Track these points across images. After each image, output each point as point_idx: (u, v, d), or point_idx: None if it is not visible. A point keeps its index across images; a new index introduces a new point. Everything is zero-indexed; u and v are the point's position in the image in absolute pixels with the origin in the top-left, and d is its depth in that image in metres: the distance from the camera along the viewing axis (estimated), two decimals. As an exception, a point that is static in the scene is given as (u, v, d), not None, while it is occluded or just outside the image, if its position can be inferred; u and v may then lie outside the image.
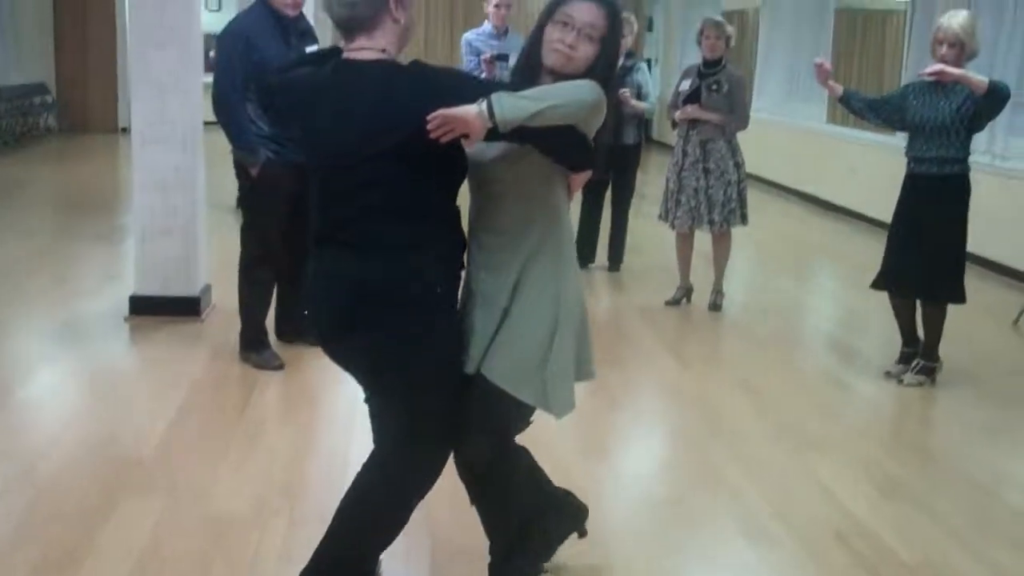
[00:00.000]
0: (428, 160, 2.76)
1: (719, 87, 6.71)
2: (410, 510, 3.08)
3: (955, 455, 4.67)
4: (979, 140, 8.20)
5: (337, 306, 2.89)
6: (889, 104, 5.51)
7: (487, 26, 7.44)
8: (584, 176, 3.02)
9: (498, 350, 2.93)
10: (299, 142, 3.08)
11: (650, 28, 18.75)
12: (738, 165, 6.83)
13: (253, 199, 5.43)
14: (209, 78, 5.30)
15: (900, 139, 9.75)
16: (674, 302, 7.10)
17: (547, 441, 3.66)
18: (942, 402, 5.37)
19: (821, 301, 8.12)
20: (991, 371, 5.89)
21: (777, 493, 4.17)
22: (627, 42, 7.43)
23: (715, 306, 7.01)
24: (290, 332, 5.73)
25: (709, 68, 6.79)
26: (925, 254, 5.34)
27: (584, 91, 2.79)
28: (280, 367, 5.43)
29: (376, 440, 3.07)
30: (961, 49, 5.16)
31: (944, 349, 5.53)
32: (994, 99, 5.01)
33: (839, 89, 5.58)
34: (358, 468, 3.05)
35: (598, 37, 2.91)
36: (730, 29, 6.87)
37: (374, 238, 2.83)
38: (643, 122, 8.10)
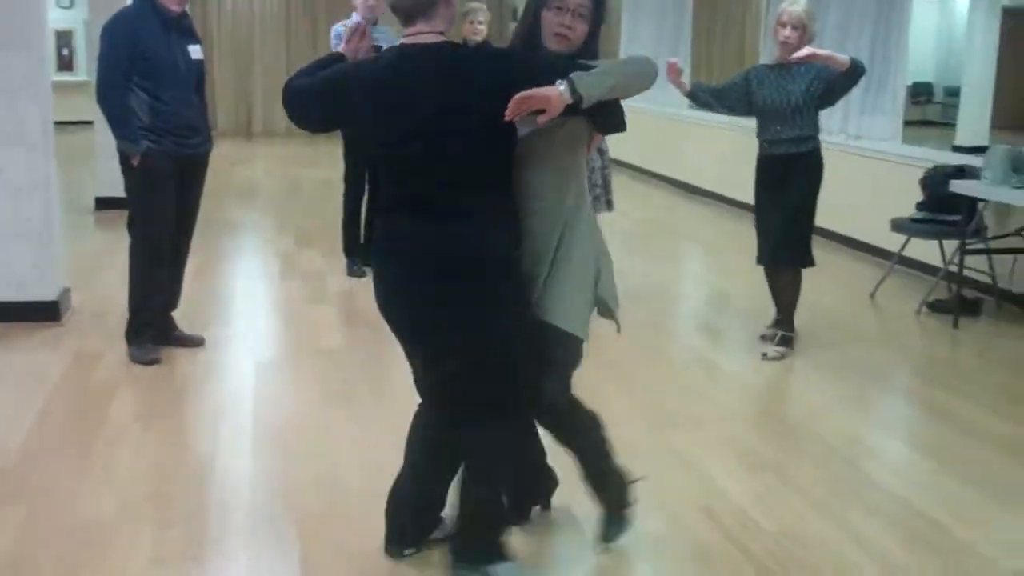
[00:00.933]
0: (497, 134, 3.01)
1: None
2: (516, 463, 3.47)
3: (814, 426, 4.82)
4: (834, 120, 8.49)
5: (422, 272, 3.08)
6: (734, 92, 5.73)
7: (356, 17, 7.38)
8: (598, 138, 3.41)
9: (553, 297, 3.24)
10: (366, 125, 3.20)
11: (514, 18, 18.84)
12: (602, 152, 6.83)
13: (137, 191, 5.38)
14: (61, 77, 5.18)
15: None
16: None
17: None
18: (802, 374, 5.54)
19: (688, 284, 8.29)
20: (849, 343, 6.10)
21: (645, 472, 4.23)
22: (484, 31, 7.62)
23: None
24: (160, 332, 5.64)
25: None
26: (777, 224, 5.61)
27: (648, 65, 3.15)
28: (153, 362, 5.41)
29: (465, 409, 3.26)
30: (803, 32, 5.40)
31: (803, 321, 5.70)
32: (852, 76, 5.33)
33: (687, 86, 5.72)
34: (224, 470, 3.01)
35: (587, 15, 3.22)
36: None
37: (454, 207, 3.06)
38: None
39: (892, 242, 7.32)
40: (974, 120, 13.09)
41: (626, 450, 4.43)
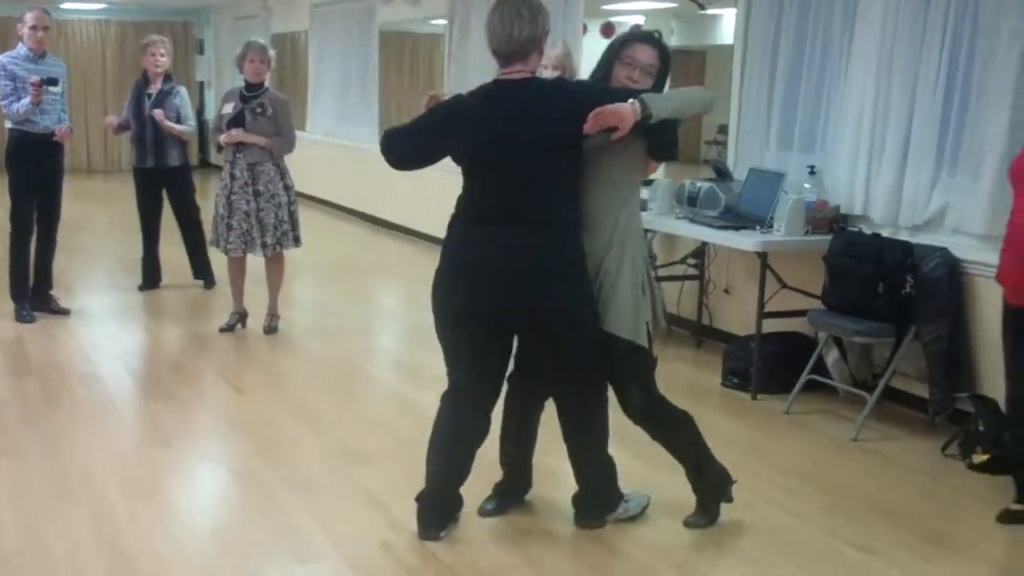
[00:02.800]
0: (577, 154, 3.61)
1: (263, 110, 6.71)
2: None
3: (493, 454, 4.91)
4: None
5: (517, 272, 3.64)
6: None
7: (22, 49, 7.01)
8: (654, 163, 3.90)
9: (608, 308, 3.75)
10: (464, 149, 3.77)
11: (201, 51, 18.46)
12: (288, 187, 6.84)
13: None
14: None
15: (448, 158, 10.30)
16: (228, 328, 7.02)
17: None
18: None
19: (383, 319, 8.32)
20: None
21: (326, 510, 4.22)
22: (166, 63, 7.65)
23: (271, 329, 7.01)
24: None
25: (252, 91, 6.78)
26: None
27: (706, 94, 3.82)
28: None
29: (557, 395, 3.97)
30: (563, 71, 5.71)
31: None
32: None
33: None
34: None
35: (654, 73, 3.79)
36: (272, 52, 6.93)
37: (547, 217, 3.63)
38: (185, 144, 8.10)
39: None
40: (649, 154, 13.84)
41: (306, 488, 4.44)
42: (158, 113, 7.68)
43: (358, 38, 12.82)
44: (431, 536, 3.93)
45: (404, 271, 9.89)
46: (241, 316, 7.09)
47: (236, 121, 6.72)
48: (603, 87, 3.80)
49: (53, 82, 6.82)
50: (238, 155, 6.72)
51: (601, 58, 3.90)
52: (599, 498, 4.09)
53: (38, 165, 6.99)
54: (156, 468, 4.70)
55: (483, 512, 4.15)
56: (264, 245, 6.79)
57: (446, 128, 3.78)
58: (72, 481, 4.48)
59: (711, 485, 4.10)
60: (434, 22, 11.04)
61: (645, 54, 3.79)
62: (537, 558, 3.84)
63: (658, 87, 3.81)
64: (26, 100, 6.72)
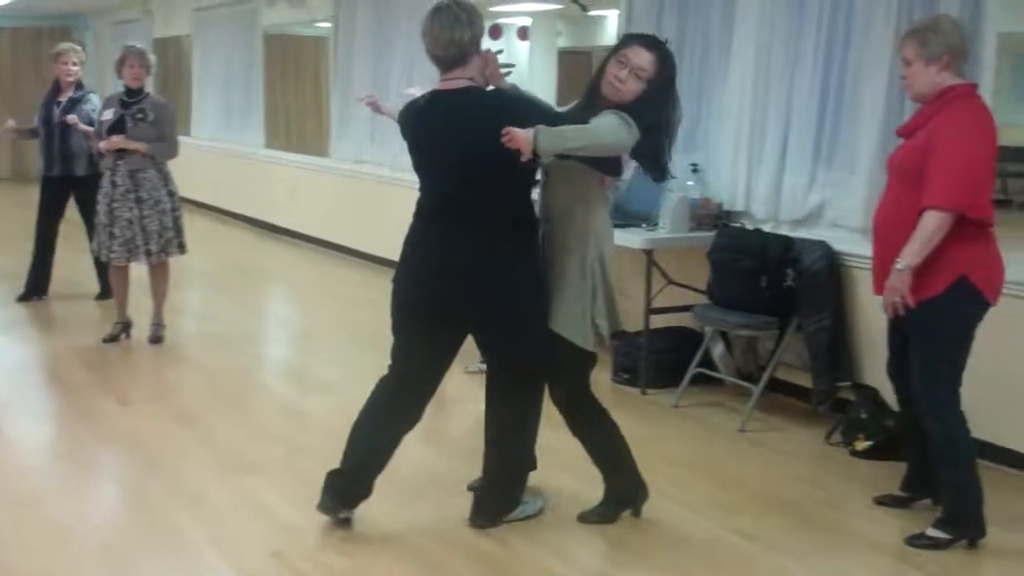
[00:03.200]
0: (510, 161, 3.55)
1: (144, 116, 6.61)
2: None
3: (393, 462, 4.90)
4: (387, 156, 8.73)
5: (455, 270, 3.78)
6: None
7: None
8: (607, 178, 3.93)
9: (554, 304, 3.85)
10: (411, 153, 3.95)
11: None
12: (171, 193, 6.74)
13: None
14: None
15: (336, 161, 10.26)
16: (112, 338, 6.88)
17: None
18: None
19: (271, 326, 8.22)
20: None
21: (215, 522, 4.16)
22: (78, 72, 7.63)
23: (156, 339, 6.88)
24: None
25: (132, 97, 6.68)
26: None
27: (608, 135, 3.62)
28: None
29: (491, 388, 4.07)
30: None
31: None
32: None
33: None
34: None
35: (645, 78, 3.76)
36: (152, 57, 6.84)
37: (487, 217, 3.76)
38: (93, 154, 7.76)
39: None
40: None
41: (195, 498, 4.38)
42: (71, 117, 7.49)
43: (242, 41, 12.64)
44: (330, 512, 4.01)
45: (291, 276, 9.79)
46: (125, 326, 6.95)
47: (116, 127, 6.60)
48: (530, 104, 3.85)
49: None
50: (119, 162, 6.61)
51: (610, 51, 3.89)
52: (502, 497, 4.13)
53: None
54: (40, 484, 4.59)
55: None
56: (148, 253, 6.68)
57: (402, 132, 3.99)
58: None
59: (618, 492, 4.17)
60: (319, 24, 10.95)
61: (639, 57, 3.77)
62: (433, 561, 3.84)
63: (655, 95, 3.78)
64: None
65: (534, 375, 3.98)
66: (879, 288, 4.00)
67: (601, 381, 6.09)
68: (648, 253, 5.77)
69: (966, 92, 3.87)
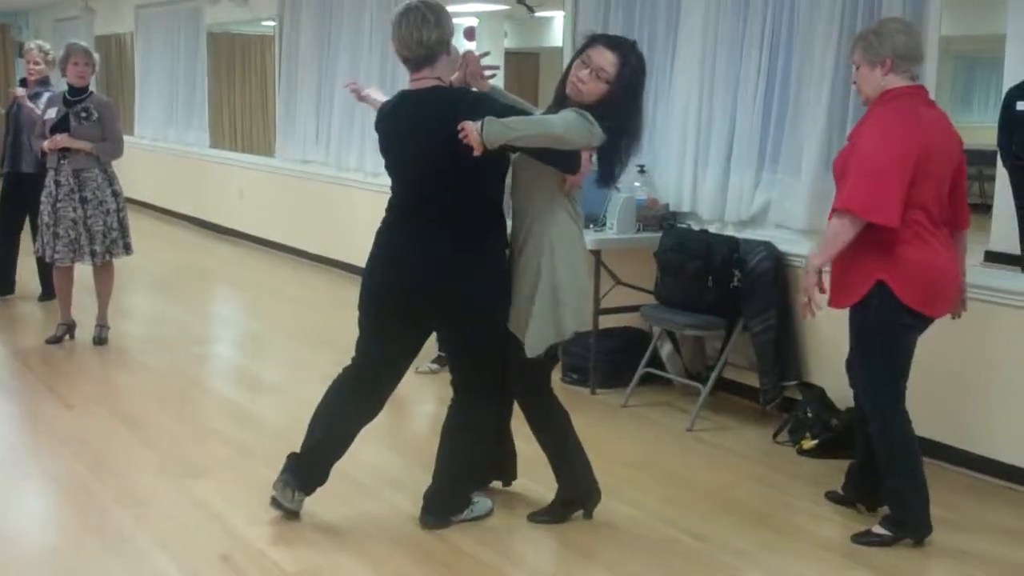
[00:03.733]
0: (471, 159, 3.59)
1: (88, 115, 6.56)
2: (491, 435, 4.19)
3: (341, 461, 4.88)
4: (351, 159, 8.69)
5: (415, 267, 3.86)
6: None
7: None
8: (577, 178, 3.84)
9: (517, 305, 3.87)
10: (381, 153, 4.01)
11: (20, 54, 17.74)
12: (116, 193, 6.69)
13: None
14: None
15: (281, 160, 10.19)
16: (55, 340, 6.79)
17: None
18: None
19: (217, 327, 8.15)
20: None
21: (162, 526, 4.12)
22: (42, 70, 7.68)
23: (100, 340, 6.82)
24: None
25: (76, 95, 6.63)
26: None
27: (558, 127, 3.62)
28: None
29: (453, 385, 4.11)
30: None
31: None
32: None
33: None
34: None
35: (605, 79, 3.76)
36: (96, 55, 6.81)
37: (448, 217, 3.82)
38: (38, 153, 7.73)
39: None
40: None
41: (141, 502, 4.33)
42: (20, 91, 7.60)
43: (185, 40, 12.52)
44: (284, 493, 4.08)
45: (237, 277, 9.71)
46: (69, 327, 6.87)
47: (60, 126, 6.55)
48: (480, 99, 3.85)
49: None
50: (63, 161, 6.55)
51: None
52: (452, 498, 4.15)
53: None
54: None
55: None
56: (93, 254, 6.63)
57: (377, 132, 4.07)
58: None
59: (570, 493, 4.19)
60: (265, 23, 10.87)
61: (601, 57, 3.77)
62: (383, 561, 3.83)
63: (617, 98, 3.77)
64: None
65: (493, 378, 3.99)
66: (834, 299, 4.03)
67: (551, 381, 6.12)
68: (596, 254, 5.79)
69: (902, 94, 3.85)
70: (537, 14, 8.58)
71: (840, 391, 5.12)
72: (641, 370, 5.74)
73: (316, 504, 4.23)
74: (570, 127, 3.63)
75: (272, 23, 10.53)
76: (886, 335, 3.91)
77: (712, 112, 5.88)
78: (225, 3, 11.33)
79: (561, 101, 3.87)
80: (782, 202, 5.55)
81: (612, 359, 5.92)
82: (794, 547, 4.06)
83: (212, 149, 11.97)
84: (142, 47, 13.70)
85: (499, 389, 4.03)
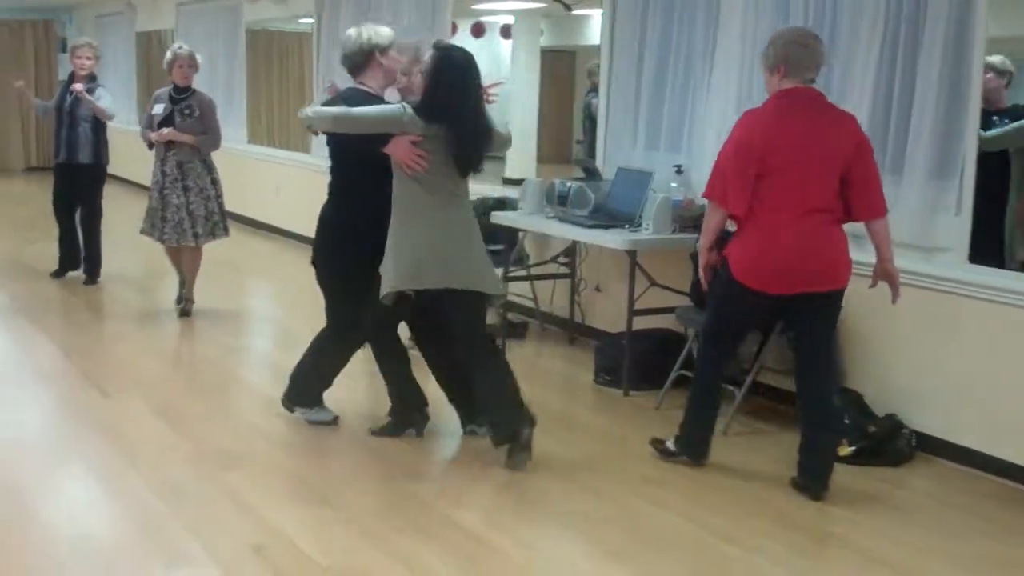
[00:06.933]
0: (350, 145, 4.69)
1: (191, 111, 7.22)
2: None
3: (366, 455, 4.88)
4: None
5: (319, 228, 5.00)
6: None
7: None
8: (400, 153, 4.48)
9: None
10: None
11: (63, 49, 17.91)
12: (215, 181, 7.37)
13: None
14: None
15: (317, 157, 10.22)
16: (184, 309, 7.48)
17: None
18: (370, 403, 5.57)
19: (254, 320, 8.19)
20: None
21: (196, 515, 4.15)
22: (91, 65, 8.18)
23: (185, 312, 7.43)
24: None
25: (180, 94, 7.29)
26: None
27: (357, 113, 4.52)
28: None
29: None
30: None
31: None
32: None
33: None
34: None
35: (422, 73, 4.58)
36: (199, 58, 7.47)
37: (330, 191, 4.96)
38: (99, 145, 8.32)
39: (444, 271, 7.57)
40: (521, 153, 13.83)
41: (176, 491, 4.36)
42: (78, 87, 8.04)
43: (225, 37, 12.59)
44: (287, 406, 5.17)
45: (272, 271, 9.76)
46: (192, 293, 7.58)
47: (166, 121, 7.20)
48: (348, 95, 4.77)
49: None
50: (168, 153, 7.21)
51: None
52: (293, 385, 5.19)
53: None
54: (20, 475, 4.55)
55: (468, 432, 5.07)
56: (196, 235, 7.27)
57: None
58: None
59: (399, 410, 5.03)
60: (303, 20, 10.92)
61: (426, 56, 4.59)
62: (413, 555, 3.84)
63: (432, 90, 4.50)
64: None
65: (335, 319, 5.02)
66: None
67: (583, 382, 6.12)
68: (631, 254, 5.78)
69: (774, 95, 4.37)
70: (574, 12, 8.56)
71: (878, 397, 5.10)
72: (675, 372, 5.70)
73: (348, 497, 4.25)
74: (370, 114, 4.53)
75: (310, 20, 10.58)
76: (718, 293, 4.58)
77: (750, 112, 5.84)
78: (264, 1, 11.38)
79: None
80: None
81: (646, 361, 5.88)
82: (828, 553, 4.04)
83: (250, 145, 12.02)
84: (183, 42, 13.75)
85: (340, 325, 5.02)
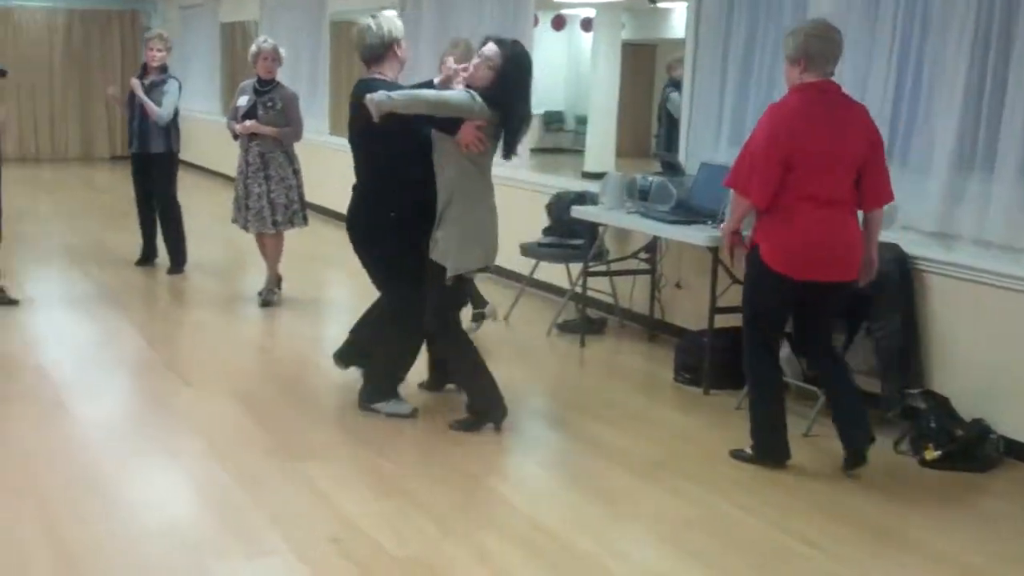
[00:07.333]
0: (387, 134, 4.78)
1: (274, 104, 7.38)
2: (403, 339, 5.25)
3: (448, 448, 4.88)
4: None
5: (351, 218, 5.24)
6: None
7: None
8: (469, 137, 4.72)
9: (438, 243, 4.88)
10: None
11: (149, 40, 18.20)
12: (296, 172, 7.55)
13: None
14: None
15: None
16: (266, 301, 7.64)
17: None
18: (438, 397, 5.54)
19: (335, 312, 8.21)
20: (489, 367, 6.14)
21: (275, 506, 4.17)
22: (162, 57, 8.45)
23: (267, 302, 7.58)
24: None
25: (264, 87, 7.45)
26: None
27: (432, 96, 4.72)
28: None
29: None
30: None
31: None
32: None
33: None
34: None
35: (491, 67, 4.78)
36: (283, 51, 7.63)
37: (364, 180, 5.12)
38: (170, 133, 8.52)
39: (523, 266, 7.57)
40: (600, 147, 13.80)
41: (256, 481, 4.39)
42: (134, 81, 8.36)
43: (309, 28, 12.69)
44: (364, 407, 5.25)
45: (354, 263, 9.71)
46: (277, 281, 7.76)
47: (250, 113, 7.38)
48: (372, 83, 4.84)
49: (2, 74, 6.99)
50: (252, 143, 7.39)
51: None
52: (366, 384, 5.29)
53: None
54: (103, 463, 4.62)
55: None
56: (276, 223, 7.46)
57: None
58: (18, 477, 4.41)
59: (478, 405, 5.09)
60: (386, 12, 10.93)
61: (489, 49, 4.80)
62: (489, 551, 3.82)
63: (502, 82, 4.76)
64: None
65: (400, 305, 5.12)
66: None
67: (663, 379, 6.06)
68: (713, 251, 5.70)
69: (796, 89, 4.49)
70: (658, 5, 8.48)
71: (966, 401, 4.97)
72: (757, 371, 5.61)
73: (425, 490, 4.24)
74: (440, 97, 4.70)
75: (393, 12, 10.59)
76: (750, 283, 4.69)
77: (838, 109, 5.73)
78: (349, -7, 11.44)
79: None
80: (911, 203, 5.38)
81: (727, 359, 5.78)
82: (911, 560, 3.94)
83: (331, 136, 12.10)
84: (266, 34, 13.87)
85: (407, 310, 5.09)
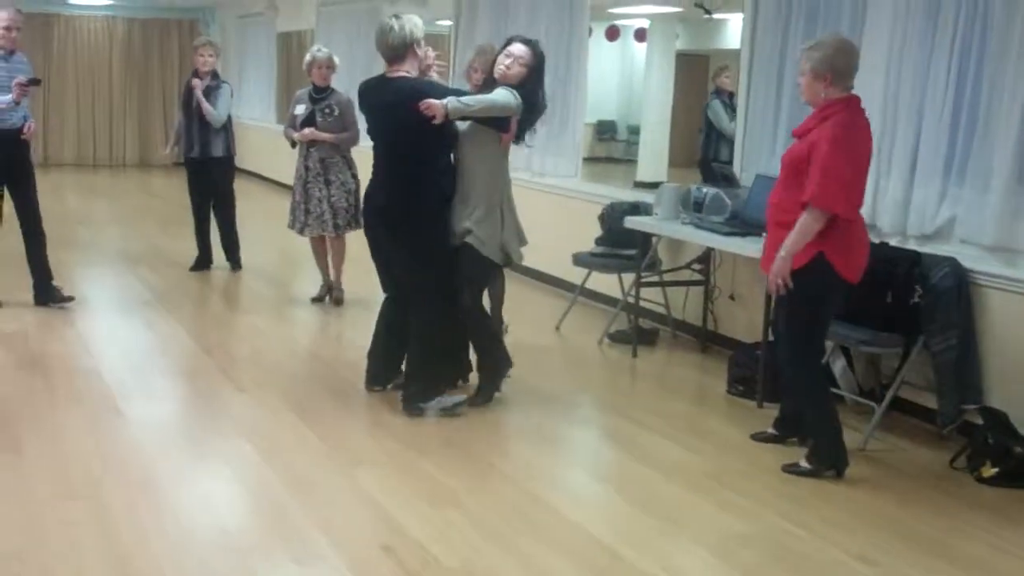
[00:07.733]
0: (426, 129, 4.99)
1: (331, 111, 7.55)
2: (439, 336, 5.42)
3: (496, 458, 4.89)
4: (519, 158, 8.69)
5: (377, 209, 5.36)
6: None
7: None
8: (509, 136, 5.33)
9: (477, 230, 5.24)
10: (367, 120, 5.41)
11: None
12: (355, 176, 7.65)
13: None
14: None
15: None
16: (318, 299, 7.90)
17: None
18: (486, 406, 5.58)
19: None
20: (534, 374, 6.14)
21: (326, 512, 4.19)
22: (212, 63, 8.65)
23: (338, 301, 7.83)
24: None
25: (319, 94, 7.63)
26: None
27: (499, 100, 5.10)
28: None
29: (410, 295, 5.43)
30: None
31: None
32: None
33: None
34: None
35: (524, 64, 5.26)
36: (336, 60, 7.80)
37: (400, 173, 5.26)
38: (227, 136, 8.78)
39: (575, 275, 7.56)
40: (653, 157, 13.73)
41: (307, 487, 4.41)
42: (196, 81, 8.58)
43: (364, 38, 12.74)
44: (371, 388, 5.67)
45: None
46: (328, 288, 7.93)
47: (308, 121, 7.56)
48: (434, 85, 5.23)
49: (36, 82, 7.08)
50: (311, 150, 7.60)
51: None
52: (407, 387, 5.39)
53: (7, 160, 7.02)
54: (156, 467, 4.66)
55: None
56: (336, 227, 7.63)
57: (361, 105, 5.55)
58: (71, 479, 4.45)
59: (490, 373, 5.51)
60: (439, 23, 10.98)
61: (518, 49, 5.27)
62: (540, 563, 3.80)
63: (531, 77, 5.25)
64: (8, 97, 6.74)
65: (434, 289, 5.26)
66: (765, 265, 4.76)
67: (716, 391, 6.02)
68: (767, 262, 5.64)
69: (846, 104, 4.52)
70: (714, 16, 8.42)
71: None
72: (811, 384, 5.56)
73: (477, 499, 4.23)
74: (506, 99, 5.09)
75: (448, 23, 10.63)
76: (812, 295, 4.64)
77: (896, 119, 5.66)
78: (404, 3, 11.48)
79: (491, 84, 5.31)
80: (969, 217, 5.30)
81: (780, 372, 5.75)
82: (968, 578, 3.88)
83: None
84: (322, 44, 13.97)
85: (442, 296, 5.30)
